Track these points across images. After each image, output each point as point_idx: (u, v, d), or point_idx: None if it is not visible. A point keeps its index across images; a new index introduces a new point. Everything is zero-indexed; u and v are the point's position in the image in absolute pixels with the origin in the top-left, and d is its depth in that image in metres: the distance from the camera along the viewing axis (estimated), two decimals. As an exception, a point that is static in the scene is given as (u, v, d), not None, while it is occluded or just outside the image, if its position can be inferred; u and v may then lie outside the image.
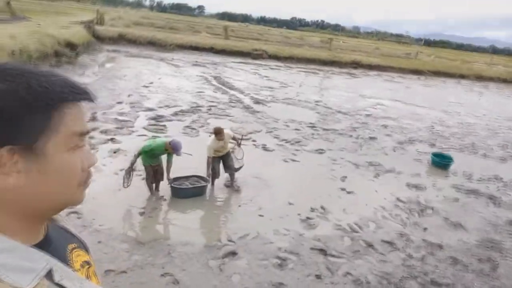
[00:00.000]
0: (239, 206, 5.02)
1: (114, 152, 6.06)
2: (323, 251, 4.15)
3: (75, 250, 0.73)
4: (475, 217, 5.60)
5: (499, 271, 4.25)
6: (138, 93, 10.28)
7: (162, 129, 7.55)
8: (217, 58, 19.90)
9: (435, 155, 7.72)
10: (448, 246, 4.64)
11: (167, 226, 4.41)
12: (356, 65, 23.14)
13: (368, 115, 11.28)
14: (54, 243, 0.67)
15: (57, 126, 0.59)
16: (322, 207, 5.16)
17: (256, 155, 6.74)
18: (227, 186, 5.49)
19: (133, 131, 7.22)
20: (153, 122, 7.95)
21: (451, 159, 7.52)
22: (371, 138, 8.88)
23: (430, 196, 6.09)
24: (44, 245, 0.63)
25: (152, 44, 20.25)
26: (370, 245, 4.41)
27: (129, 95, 9.84)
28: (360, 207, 5.38)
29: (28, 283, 0.54)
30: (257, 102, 11.09)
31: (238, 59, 20.36)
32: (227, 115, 9.23)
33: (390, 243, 4.53)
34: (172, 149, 4.63)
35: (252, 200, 5.16)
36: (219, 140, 5.05)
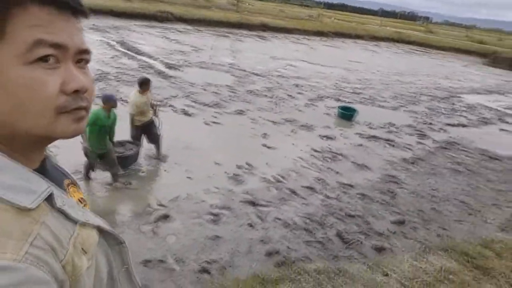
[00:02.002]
0: (165, 171, 4.94)
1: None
2: (252, 203, 4.40)
3: (71, 185, 0.68)
4: (376, 158, 6.46)
5: (397, 199, 5.06)
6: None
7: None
8: (118, 22, 18.14)
9: (342, 108, 8.52)
10: (357, 185, 5.31)
11: (91, 197, 4.14)
12: (265, 27, 23.46)
13: (280, 76, 11.74)
14: (51, 175, 0.61)
15: (16, 28, 0.49)
16: (247, 164, 5.38)
17: (176, 120, 6.59)
18: (151, 156, 5.25)
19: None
20: (53, 93, 7.07)
21: (355, 111, 8.41)
22: (285, 97, 9.35)
23: (340, 144, 6.79)
24: (41, 173, 0.57)
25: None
26: (293, 192, 4.81)
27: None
28: (281, 160, 5.76)
29: (29, 202, 0.49)
30: (170, 67, 10.62)
31: (142, 22, 18.90)
32: (138, 82, 8.67)
33: (310, 188, 5.00)
34: (108, 101, 3.95)
35: (178, 164, 5.11)
36: (143, 94, 4.62)
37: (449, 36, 36.63)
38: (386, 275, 2.64)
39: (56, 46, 0.52)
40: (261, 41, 19.84)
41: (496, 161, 7.11)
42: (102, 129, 3.96)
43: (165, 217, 3.92)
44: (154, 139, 5.04)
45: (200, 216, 4.02)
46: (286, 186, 4.92)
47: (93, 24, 16.27)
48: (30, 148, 0.57)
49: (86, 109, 0.57)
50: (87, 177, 4.37)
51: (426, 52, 27.26)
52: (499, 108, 11.99)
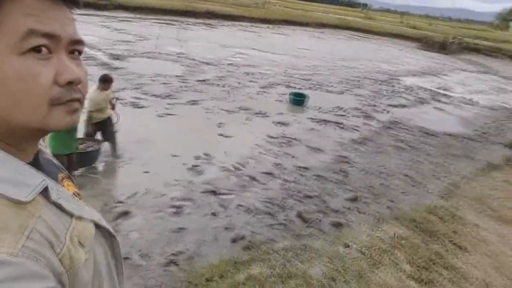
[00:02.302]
0: (121, 167, 4.77)
1: None
2: (213, 192, 4.42)
3: (65, 179, 0.66)
4: (328, 140, 6.77)
5: (349, 177, 5.38)
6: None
7: None
8: (51, 10, 16.77)
9: (293, 94, 8.75)
10: (312, 167, 5.55)
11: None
12: (211, 15, 23.09)
13: (230, 64, 11.70)
14: (45, 168, 0.59)
15: (9, 16, 0.48)
16: (205, 154, 5.37)
17: (128, 114, 6.31)
18: (107, 153, 5.00)
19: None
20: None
21: (306, 96, 8.68)
22: (237, 85, 9.37)
23: (293, 130, 7.01)
24: (35, 166, 0.56)
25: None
26: (253, 179, 4.90)
27: None
28: (239, 148, 5.82)
29: (24, 196, 0.49)
30: (115, 57, 10.11)
31: (79, 10, 17.63)
32: (81, 75, 8.16)
33: (269, 173, 5.13)
34: None
35: (134, 159, 4.96)
36: (104, 90, 4.47)
37: (386, 22, 38.85)
38: (348, 246, 2.85)
39: (49, 36, 0.51)
40: (209, 29, 19.52)
41: (433, 137, 7.80)
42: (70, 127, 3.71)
43: (125, 213, 3.81)
44: (110, 136, 4.87)
45: (161, 210, 3.96)
46: (246, 173, 5.01)
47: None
48: (24, 142, 0.56)
49: (80, 101, 0.57)
50: None
51: (366, 37, 28.69)
52: (432, 88, 13.07)
